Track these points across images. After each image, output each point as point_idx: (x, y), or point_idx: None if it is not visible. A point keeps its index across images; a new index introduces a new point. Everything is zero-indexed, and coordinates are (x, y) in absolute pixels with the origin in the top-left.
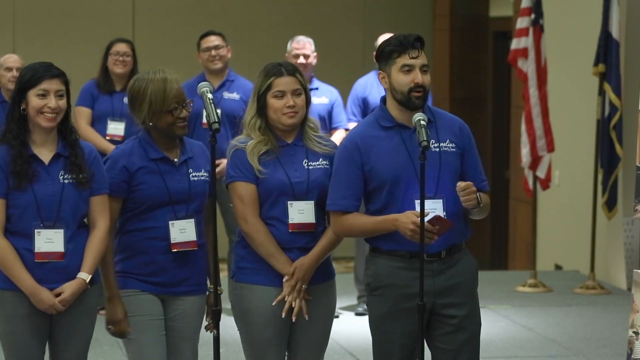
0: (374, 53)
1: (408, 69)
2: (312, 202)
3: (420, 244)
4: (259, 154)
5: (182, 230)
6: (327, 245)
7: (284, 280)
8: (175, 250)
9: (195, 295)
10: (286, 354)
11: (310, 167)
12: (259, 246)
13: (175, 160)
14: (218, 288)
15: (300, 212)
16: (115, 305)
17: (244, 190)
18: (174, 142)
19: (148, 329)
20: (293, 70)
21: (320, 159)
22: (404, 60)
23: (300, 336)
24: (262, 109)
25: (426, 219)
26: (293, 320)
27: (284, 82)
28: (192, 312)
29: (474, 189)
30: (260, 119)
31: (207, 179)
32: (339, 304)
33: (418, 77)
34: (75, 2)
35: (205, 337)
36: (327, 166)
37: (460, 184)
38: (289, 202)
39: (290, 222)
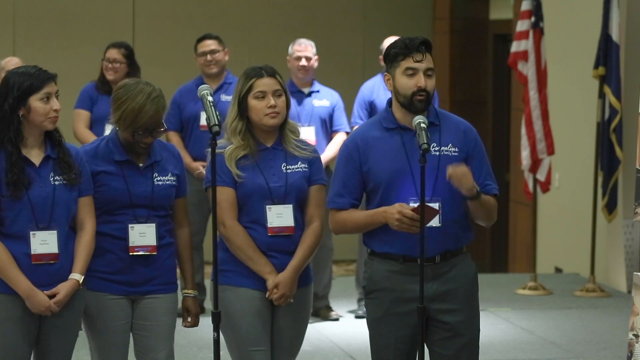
0: (380, 57)
1: (412, 73)
2: (291, 205)
3: (420, 247)
4: (236, 159)
5: (142, 234)
6: (306, 253)
7: (267, 295)
8: (133, 254)
9: (165, 294)
10: None
11: (289, 171)
12: (237, 249)
13: (141, 164)
14: (192, 292)
15: (279, 215)
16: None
17: (222, 195)
18: None
19: (112, 331)
20: (273, 72)
21: (299, 163)
22: (408, 63)
23: (275, 338)
24: (243, 111)
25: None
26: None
27: (265, 83)
28: (162, 311)
29: (469, 174)
30: (241, 122)
31: (173, 183)
32: (340, 306)
33: (421, 81)
34: (76, 4)
35: (205, 339)
36: (306, 169)
37: (449, 169)
38: (267, 206)
39: (269, 226)
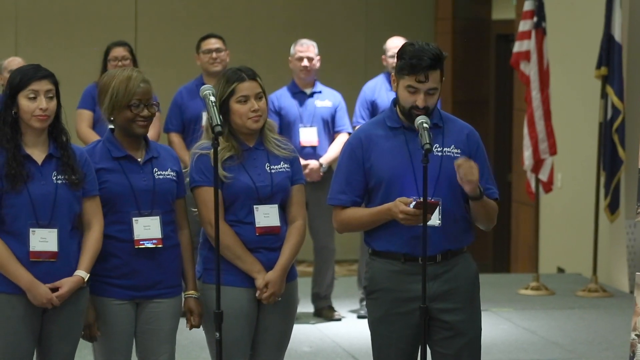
0: (383, 56)
1: (413, 91)
2: (276, 205)
3: (422, 246)
4: (222, 160)
5: (147, 227)
6: (293, 251)
7: (257, 294)
8: (138, 247)
9: (170, 298)
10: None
11: (273, 171)
12: (225, 249)
13: (140, 159)
14: (194, 293)
15: (266, 215)
16: (86, 310)
17: (208, 195)
18: (138, 142)
19: (117, 336)
20: (253, 74)
21: (282, 162)
22: (411, 81)
23: (263, 335)
24: (225, 115)
25: (411, 205)
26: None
27: (247, 87)
28: (166, 315)
29: (476, 169)
30: (224, 125)
31: (173, 178)
32: (342, 306)
33: (420, 100)
34: (78, 5)
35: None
36: (289, 170)
37: (457, 161)
38: (254, 206)
39: (257, 225)
